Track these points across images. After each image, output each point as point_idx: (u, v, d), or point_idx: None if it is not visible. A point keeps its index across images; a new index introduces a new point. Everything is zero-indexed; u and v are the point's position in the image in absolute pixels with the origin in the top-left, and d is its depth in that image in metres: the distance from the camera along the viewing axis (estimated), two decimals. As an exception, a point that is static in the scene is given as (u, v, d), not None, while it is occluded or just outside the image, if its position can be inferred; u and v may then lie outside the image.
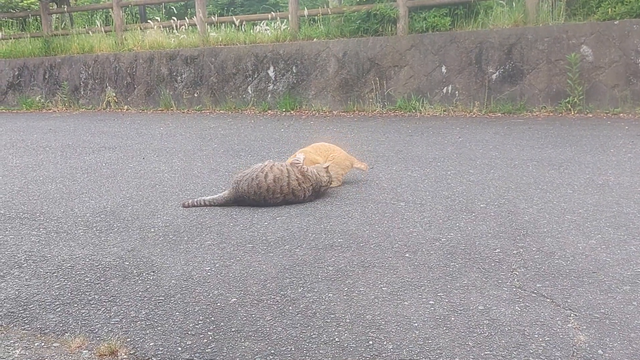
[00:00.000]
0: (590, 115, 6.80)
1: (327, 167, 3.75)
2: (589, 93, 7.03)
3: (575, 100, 6.98)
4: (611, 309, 2.04)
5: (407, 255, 2.64)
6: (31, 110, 10.66)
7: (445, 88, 7.86)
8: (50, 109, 10.62)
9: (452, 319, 2.02)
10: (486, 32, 7.69)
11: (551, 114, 7.06)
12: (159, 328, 2.03)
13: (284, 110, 8.69)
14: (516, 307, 2.08)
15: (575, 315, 2.01)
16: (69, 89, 10.65)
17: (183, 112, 9.33)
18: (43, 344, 1.97)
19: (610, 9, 7.20)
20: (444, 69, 7.86)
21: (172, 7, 12.26)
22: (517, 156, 4.74)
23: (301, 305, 2.16)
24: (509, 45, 7.48)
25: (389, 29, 8.43)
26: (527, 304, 2.11)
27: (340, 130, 6.60)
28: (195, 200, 3.63)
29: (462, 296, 2.19)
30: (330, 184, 3.79)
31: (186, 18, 10.75)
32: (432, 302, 2.15)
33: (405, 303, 2.15)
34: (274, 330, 1.99)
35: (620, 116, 6.63)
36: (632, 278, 2.28)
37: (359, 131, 6.51)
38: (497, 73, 7.56)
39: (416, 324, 1.99)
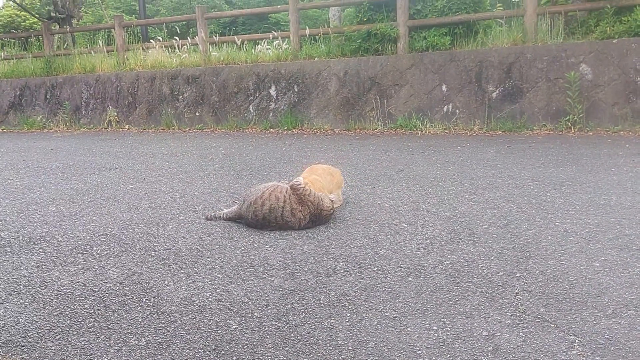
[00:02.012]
0: (591, 134, 6.80)
1: (333, 198, 3.70)
2: (588, 111, 7.04)
3: (575, 118, 7.00)
4: (616, 334, 2.02)
5: (410, 279, 2.62)
6: (32, 130, 10.69)
7: (446, 106, 7.88)
8: (51, 129, 10.66)
9: (456, 345, 1.99)
10: (485, 51, 7.73)
11: (551, 132, 7.07)
12: (159, 357, 2.01)
13: (285, 128, 8.71)
14: (520, 333, 2.05)
15: (580, 341, 1.99)
16: (70, 109, 10.70)
17: (184, 131, 9.35)
18: (42, 373, 1.95)
19: (608, 28, 7.26)
20: (444, 88, 7.89)
21: (175, 27, 12.36)
22: (518, 175, 4.73)
23: (303, 332, 2.14)
24: (509, 64, 7.52)
25: (390, 48, 8.49)
26: (531, 329, 2.08)
27: (341, 149, 6.61)
28: (216, 214, 3.80)
29: (465, 322, 2.16)
30: (332, 210, 3.63)
31: (188, 38, 10.84)
32: (436, 328, 2.12)
33: (409, 329, 2.13)
34: (276, 359, 1.96)
35: (621, 134, 6.63)
36: (636, 302, 2.26)
37: (360, 150, 6.52)
38: (497, 91, 7.58)
39: (420, 352, 1.97)
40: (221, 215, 3.76)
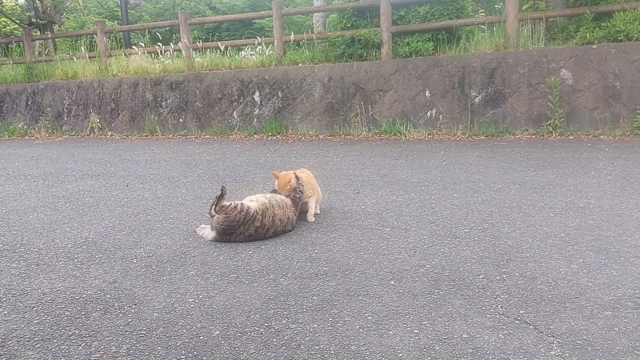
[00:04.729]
0: (571, 138, 6.90)
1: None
2: (569, 115, 7.15)
3: (557, 122, 7.09)
4: (593, 335, 2.05)
5: (392, 282, 2.63)
6: (13, 138, 10.58)
7: (429, 112, 7.94)
8: (33, 136, 10.55)
9: (437, 348, 2.01)
10: (468, 56, 7.82)
11: (533, 136, 7.16)
12: (141, 364, 2.00)
13: (270, 134, 8.71)
14: (500, 335, 2.08)
15: (559, 342, 2.01)
16: (52, 116, 10.60)
17: (168, 138, 9.32)
18: (21, 382, 1.93)
19: (588, 34, 7.38)
20: (427, 93, 7.96)
21: (157, 33, 12.31)
22: (500, 179, 4.78)
23: (285, 337, 2.15)
24: (491, 69, 7.60)
25: (373, 54, 8.54)
26: (510, 331, 2.11)
27: (326, 155, 6.63)
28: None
29: (446, 324, 2.18)
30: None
31: (171, 44, 10.82)
32: (417, 331, 2.14)
33: (390, 332, 2.14)
34: (258, 364, 1.96)
35: (601, 138, 6.74)
36: (613, 303, 2.30)
37: (345, 155, 6.54)
38: (480, 96, 7.66)
39: (401, 354, 1.98)
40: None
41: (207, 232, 3.46)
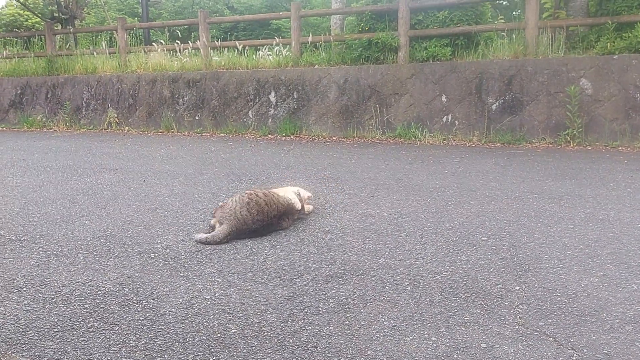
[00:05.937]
0: (590, 148, 6.84)
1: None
2: (588, 126, 7.09)
3: (575, 132, 7.04)
4: (614, 349, 2.03)
5: (408, 288, 2.62)
6: (32, 129, 10.69)
7: (445, 117, 7.92)
8: (51, 129, 10.65)
9: (455, 356, 2.00)
10: (486, 62, 7.78)
11: (550, 145, 7.10)
12: (159, 359, 2.01)
13: (284, 134, 8.73)
14: (519, 346, 2.06)
15: (579, 355, 1.99)
16: (70, 109, 10.70)
17: (184, 135, 9.36)
18: (41, 373, 1.94)
19: (609, 44, 7.32)
20: (444, 98, 7.93)
21: (176, 31, 12.39)
22: (517, 188, 4.75)
23: (302, 338, 2.15)
24: (509, 76, 7.56)
25: (390, 58, 8.53)
26: (529, 342, 2.09)
27: (340, 157, 6.63)
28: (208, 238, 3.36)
29: (464, 333, 2.17)
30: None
31: (189, 42, 10.88)
32: (434, 339, 2.13)
33: (407, 339, 2.13)
34: (275, 364, 1.97)
35: (619, 150, 6.67)
36: (634, 318, 2.27)
37: (359, 158, 6.53)
38: (497, 103, 7.62)
39: (418, 361, 1.97)
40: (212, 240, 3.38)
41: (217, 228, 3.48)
